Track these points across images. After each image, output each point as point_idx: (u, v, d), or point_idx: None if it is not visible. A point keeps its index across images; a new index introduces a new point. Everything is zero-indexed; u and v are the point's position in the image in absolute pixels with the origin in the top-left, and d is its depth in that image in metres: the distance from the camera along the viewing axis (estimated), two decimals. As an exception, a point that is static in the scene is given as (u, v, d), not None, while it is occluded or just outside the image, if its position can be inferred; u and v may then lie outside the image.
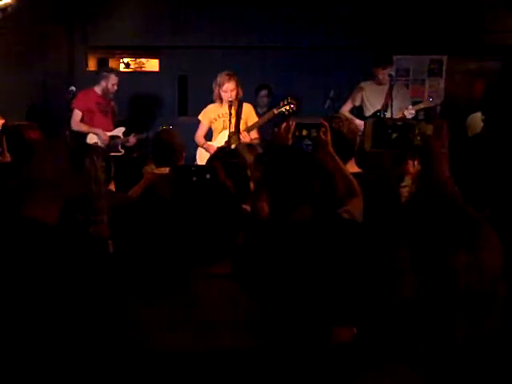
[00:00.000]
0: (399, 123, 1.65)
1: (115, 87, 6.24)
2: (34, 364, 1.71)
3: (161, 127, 5.53)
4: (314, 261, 1.99)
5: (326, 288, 1.92)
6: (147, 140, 5.85)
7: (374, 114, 5.87)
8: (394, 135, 1.63)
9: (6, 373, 1.70)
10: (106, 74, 6.27)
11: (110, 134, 6.23)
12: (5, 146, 3.19)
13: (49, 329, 1.73)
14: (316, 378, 1.20)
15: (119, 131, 6.29)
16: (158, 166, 3.53)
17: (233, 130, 5.18)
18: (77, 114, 6.12)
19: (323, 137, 2.48)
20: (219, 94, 5.23)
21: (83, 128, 6.12)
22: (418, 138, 1.60)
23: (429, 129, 1.60)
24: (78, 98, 6.04)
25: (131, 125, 6.63)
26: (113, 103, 6.35)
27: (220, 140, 5.28)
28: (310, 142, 2.59)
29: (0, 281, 1.76)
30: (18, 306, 1.74)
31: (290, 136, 2.45)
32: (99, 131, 6.12)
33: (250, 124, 5.32)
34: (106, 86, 6.20)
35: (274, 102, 6.35)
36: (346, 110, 5.94)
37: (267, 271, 1.99)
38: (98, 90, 6.25)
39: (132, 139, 6.14)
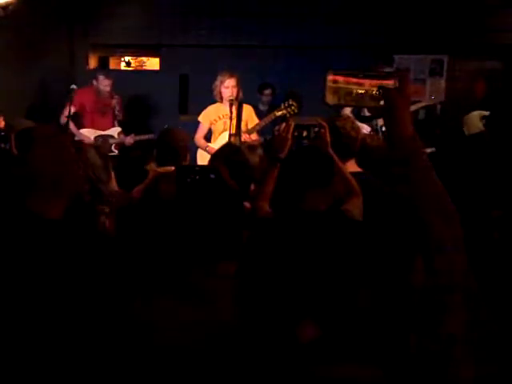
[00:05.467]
0: (360, 76, 1.55)
1: (107, 88, 6.19)
2: (35, 360, 1.71)
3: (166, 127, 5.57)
4: (315, 256, 1.99)
5: (310, 285, 1.91)
6: (149, 141, 5.82)
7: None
8: (360, 91, 1.54)
9: (6, 370, 1.70)
10: (97, 74, 6.29)
11: (102, 133, 6.19)
12: (13, 145, 3.17)
13: (51, 324, 1.73)
14: (282, 374, 1.21)
15: (114, 131, 6.25)
16: (161, 166, 3.50)
17: (233, 131, 5.17)
18: (67, 110, 5.99)
19: (323, 137, 2.49)
20: (220, 91, 5.25)
21: (69, 127, 6.04)
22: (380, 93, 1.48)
23: (392, 82, 1.48)
24: (76, 95, 5.98)
25: (132, 123, 6.62)
26: (114, 102, 6.28)
27: (221, 142, 5.27)
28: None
29: (3, 276, 1.76)
30: (19, 302, 1.74)
31: (289, 136, 2.45)
32: (81, 136, 6.07)
33: (250, 126, 5.32)
34: (97, 86, 6.20)
35: (275, 102, 6.35)
36: (347, 109, 5.94)
37: (269, 269, 1.99)
38: (94, 88, 6.24)
39: (129, 139, 6.10)
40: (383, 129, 5.79)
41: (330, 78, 1.50)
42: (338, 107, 5.10)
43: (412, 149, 1.38)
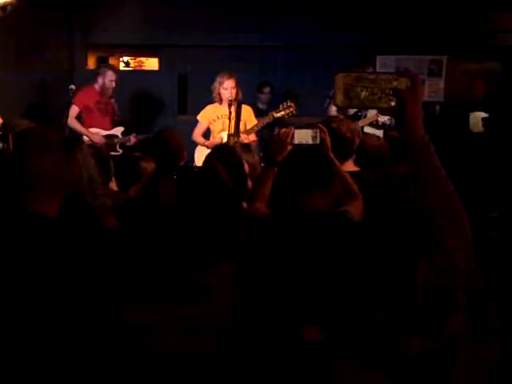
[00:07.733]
0: (371, 77, 1.52)
1: (113, 84, 6.15)
2: (34, 359, 1.71)
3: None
4: (316, 258, 1.99)
5: (311, 287, 1.91)
6: (149, 140, 5.85)
7: (355, 113, 5.78)
8: (364, 93, 1.49)
9: (3, 370, 1.70)
10: (103, 69, 6.23)
11: (108, 133, 6.20)
12: (11, 145, 3.16)
13: (48, 325, 1.73)
14: (284, 375, 1.21)
15: (118, 131, 6.25)
16: (159, 165, 3.53)
17: (232, 131, 5.18)
18: (73, 110, 6.01)
19: (324, 141, 2.49)
20: (219, 93, 5.25)
21: (77, 126, 6.04)
22: (391, 94, 1.46)
23: (403, 83, 1.46)
24: (78, 95, 5.97)
25: (131, 123, 6.62)
26: (113, 102, 6.29)
27: (219, 142, 5.29)
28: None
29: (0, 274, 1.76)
30: (16, 302, 1.74)
31: (288, 141, 2.47)
32: (91, 134, 6.04)
33: (248, 126, 5.33)
34: (103, 82, 6.13)
35: (274, 101, 6.36)
36: (333, 109, 5.73)
37: (268, 270, 1.99)
38: (96, 87, 6.20)
39: (132, 139, 6.11)
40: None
41: (340, 79, 1.48)
42: (349, 109, 5.07)
43: (423, 149, 1.37)
